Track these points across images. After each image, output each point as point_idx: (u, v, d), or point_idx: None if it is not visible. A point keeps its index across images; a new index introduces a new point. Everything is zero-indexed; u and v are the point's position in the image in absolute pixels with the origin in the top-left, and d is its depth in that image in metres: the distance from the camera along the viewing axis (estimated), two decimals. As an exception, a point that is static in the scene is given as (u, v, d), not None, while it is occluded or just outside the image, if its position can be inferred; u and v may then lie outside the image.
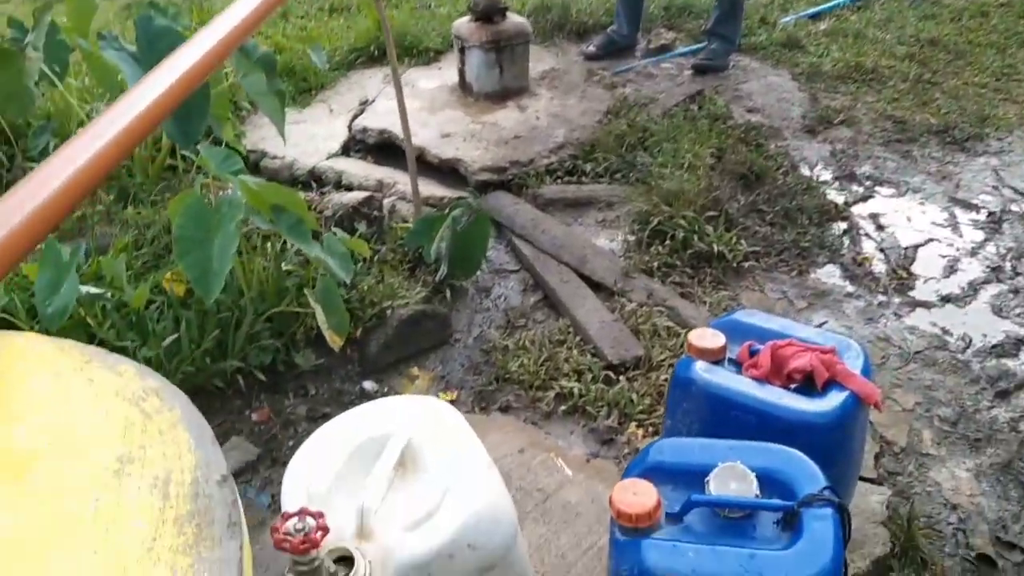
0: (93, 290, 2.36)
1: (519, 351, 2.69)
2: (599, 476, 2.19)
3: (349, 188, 3.58)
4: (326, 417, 2.44)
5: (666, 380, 2.50)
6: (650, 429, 2.37)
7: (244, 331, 2.50)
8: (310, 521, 1.20)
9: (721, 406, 1.67)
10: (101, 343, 2.39)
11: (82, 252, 2.71)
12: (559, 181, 3.65)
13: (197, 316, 2.50)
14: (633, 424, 2.39)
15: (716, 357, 1.75)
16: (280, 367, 2.58)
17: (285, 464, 2.38)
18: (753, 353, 1.75)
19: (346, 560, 1.29)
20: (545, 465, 2.21)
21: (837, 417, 1.61)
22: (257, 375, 2.50)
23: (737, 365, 1.76)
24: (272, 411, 2.49)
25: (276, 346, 2.53)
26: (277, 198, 2.37)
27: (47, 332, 2.29)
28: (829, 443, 1.60)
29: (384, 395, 2.63)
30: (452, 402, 2.53)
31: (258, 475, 2.33)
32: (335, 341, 2.40)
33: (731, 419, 1.66)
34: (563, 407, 2.49)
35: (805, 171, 3.72)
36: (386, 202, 3.38)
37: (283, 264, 2.66)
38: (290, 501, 1.37)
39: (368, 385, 2.65)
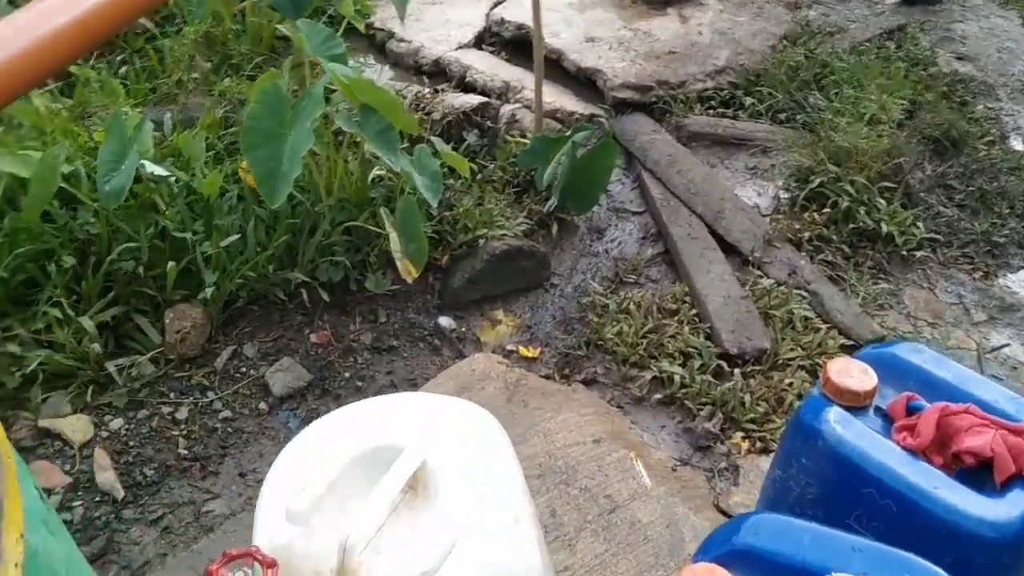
0: (158, 171, 2.13)
1: (620, 314, 2.29)
2: (682, 493, 1.82)
3: (471, 87, 3.20)
4: (392, 351, 2.18)
5: (791, 385, 2.05)
6: (758, 444, 1.95)
7: (316, 241, 2.23)
8: (248, 569, 0.90)
9: (854, 477, 1.25)
10: (163, 232, 2.18)
11: (168, 123, 2.49)
12: (710, 112, 3.13)
13: (268, 216, 2.24)
14: (739, 434, 1.98)
15: (860, 403, 1.31)
16: (351, 287, 2.30)
17: (337, 397, 2.16)
18: (913, 410, 1.29)
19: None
20: (621, 466, 1.85)
21: (1019, 531, 1.16)
22: (322, 293, 2.23)
23: (887, 420, 1.31)
24: (334, 335, 2.23)
25: (348, 263, 2.25)
26: (369, 96, 2.02)
27: (106, 211, 2.09)
28: (1002, 567, 1.16)
29: (461, 335, 2.32)
30: (533, 361, 2.21)
31: (305, 404, 2.09)
32: (409, 271, 2.09)
33: (863, 498, 1.23)
34: (659, 395, 2.10)
35: (1017, 145, 3.02)
36: (505, 110, 2.98)
37: (371, 171, 2.35)
38: (265, 514, 1.08)
39: (444, 321, 2.34)
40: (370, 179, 2.36)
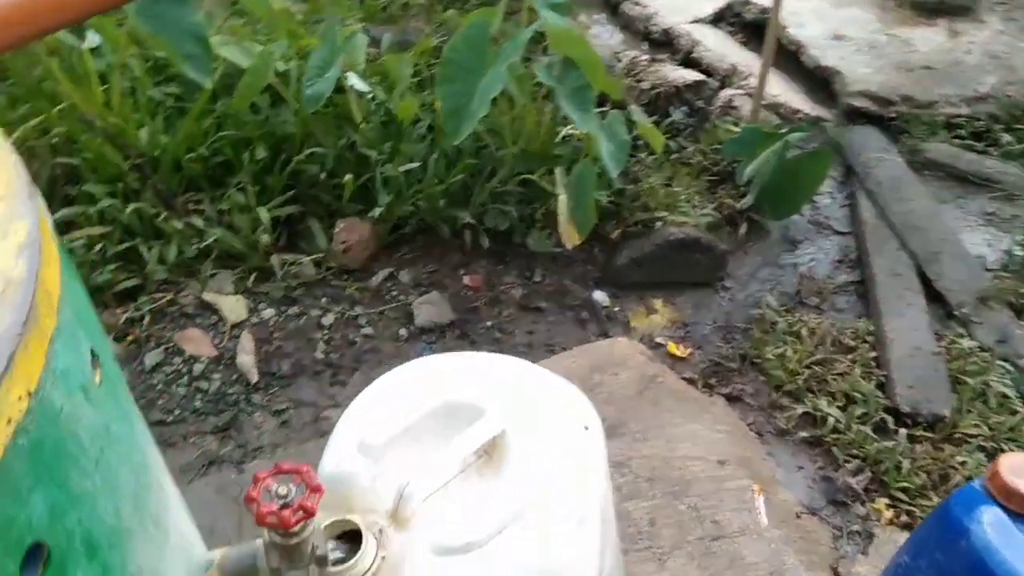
0: (360, 86, 2.17)
1: (789, 336, 2.09)
2: (799, 544, 1.63)
3: (695, 63, 3.03)
4: (538, 312, 2.13)
5: (962, 464, 1.78)
6: (903, 517, 1.71)
7: (491, 186, 2.20)
8: (294, 486, 0.88)
9: (996, 594, 1.04)
10: (352, 145, 2.23)
11: (385, 43, 2.54)
12: (956, 142, 2.76)
13: (452, 152, 2.24)
14: (884, 500, 1.75)
15: (1029, 511, 1.09)
16: (514, 239, 2.26)
17: (473, 342, 2.14)
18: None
19: (352, 537, 0.97)
20: (740, 496, 1.69)
21: None
22: (484, 239, 2.21)
23: (1062, 540, 1.08)
24: (486, 281, 2.21)
25: (516, 215, 2.20)
26: (573, 50, 1.94)
27: (303, 114, 2.17)
28: None
29: (612, 315, 2.22)
30: (680, 360, 2.07)
31: (442, 341, 2.09)
32: (571, 237, 2.01)
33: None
34: (805, 433, 1.90)
35: None
36: (724, 94, 2.79)
37: (561, 129, 2.27)
38: (340, 437, 1.06)
39: (598, 296, 2.25)
40: (560, 137, 2.29)
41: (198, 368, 1.97)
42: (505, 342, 2.10)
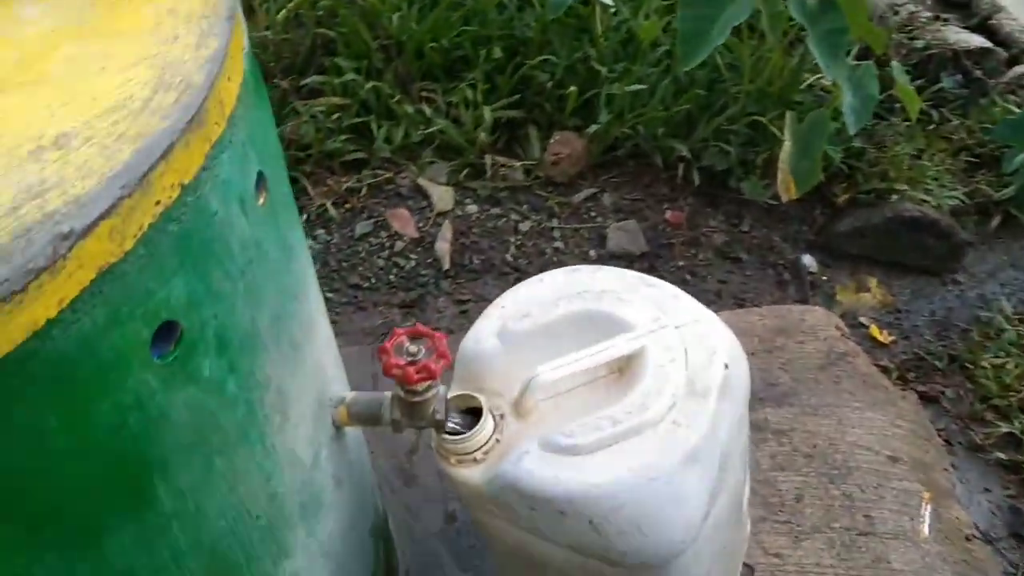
0: (607, 1, 2.13)
1: (1014, 348, 1.85)
2: (959, 567, 1.47)
3: (991, 31, 2.65)
4: (737, 263, 2.04)
5: None
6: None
7: (716, 123, 2.10)
8: (424, 348, 0.92)
9: None
10: (585, 58, 2.21)
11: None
12: None
13: (685, 80, 2.16)
14: (1080, 549, 1.53)
15: None
16: (728, 182, 2.16)
17: (660, 278, 2.09)
18: None
19: (473, 414, 1.01)
20: (904, 498, 1.55)
21: None
22: (696, 176, 2.13)
23: None
24: (688, 220, 2.14)
25: (736, 158, 2.09)
26: (837, -13, 1.77)
27: (544, 20, 2.18)
28: None
29: (817, 282, 2.07)
30: (879, 346, 1.91)
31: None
32: (788, 189, 1.88)
33: None
34: (1003, 455, 1.68)
35: None
36: (1017, 69, 2.44)
37: (807, 77, 2.11)
38: (485, 320, 1.09)
39: (807, 260, 2.10)
40: (803, 84, 2.12)
41: (399, 245, 2.10)
42: (693, 285, 2.04)
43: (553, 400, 1.02)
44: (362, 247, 2.10)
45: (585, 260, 2.09)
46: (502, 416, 1.02)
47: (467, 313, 1.99)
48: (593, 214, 2.16)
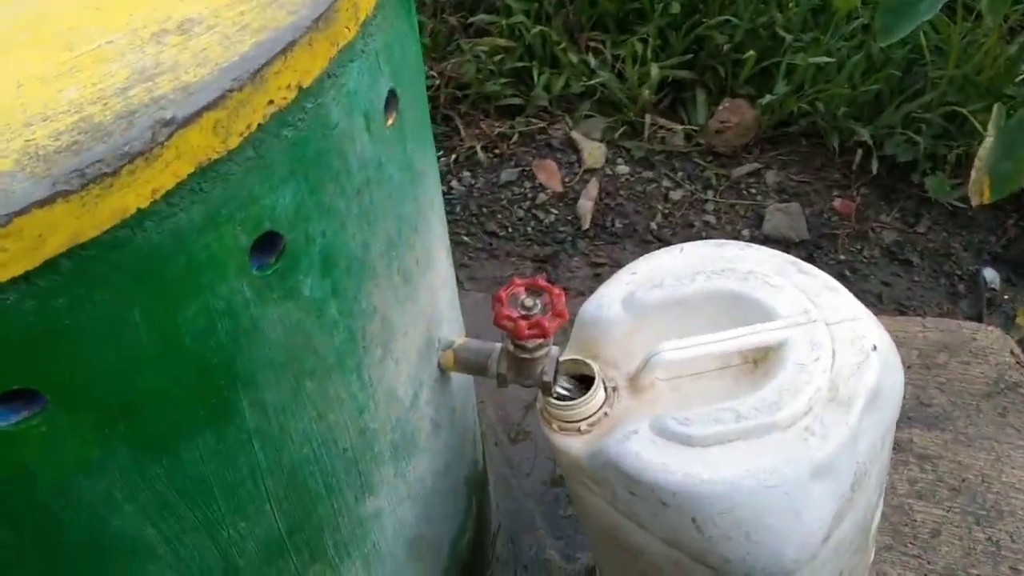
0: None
1: None
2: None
3: None
4: (906, 266, 1.86)
5: None
6: None
7: (908, 109, 1.89)
8: (541, 304, 0.85)
9: None
10: (770, 23, 2.04)
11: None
12: None
13: (878, 57, 1.95)
14: None
15: None
16: (910, 176, 1.95)
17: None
18: None
19: (583, 382, 0.94)
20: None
21: None
22: (875, 164, 1.93)
23: None
24: (858, 211, 1.95)
25: (925, 150, 1.88)
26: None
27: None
28: None
29: (995, 300, 1.85)
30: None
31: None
32: (981, 192, 1.66)
33: None
34: None
35: None
36: None
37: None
38: (612, 285, 1.01)
39: (989, 274, 1.87)
40: (1019, 77, 1.87)
41: (542, 198, 2.04)
42: (852, 283, 1.86)
43: (674, 382, 0.94)
44: (504, 195, 2.06)
45: (737, 238, 1.96)
46: (615, 389, 0.94)
47: (600, 277, 1.91)
48: (753, 191, 2.01)
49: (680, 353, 0.90)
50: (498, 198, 2.05)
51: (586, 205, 2.00)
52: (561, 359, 0.94)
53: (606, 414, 0.92)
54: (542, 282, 0.87)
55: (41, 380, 0.51)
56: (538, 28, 2.13)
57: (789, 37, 1.98)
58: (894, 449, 1.50)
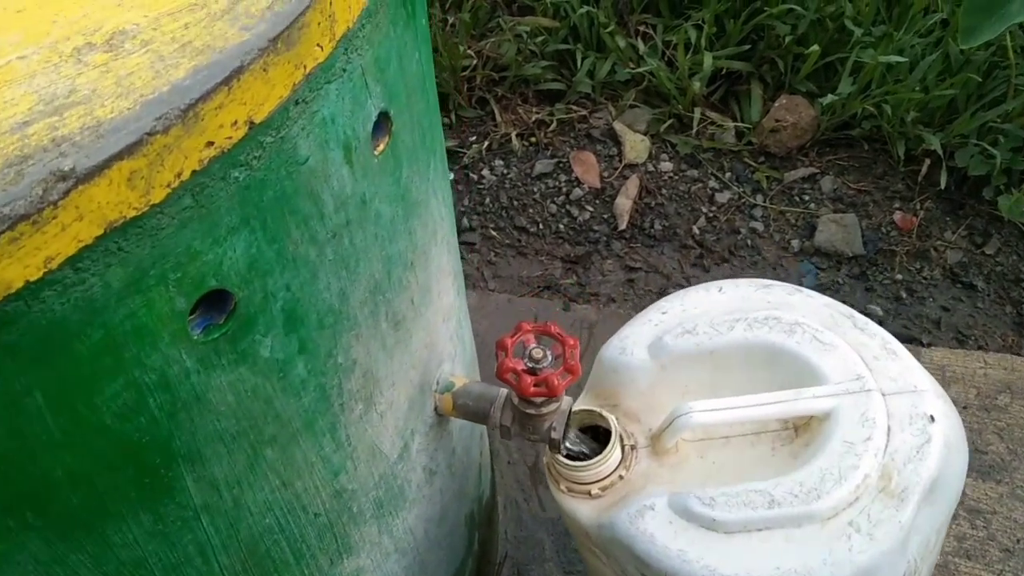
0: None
1: None
2: None
3: None
4: (971, 290, 1.71)
5: None
6: None
7: (985, 117, 1.72)
8: (552, 356, 0.74)
9: None
10: (838, 13, 1.87)
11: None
12: None
13: (956, 58, 1.77)
14: None
15: None
16: (983, 192, 1.78)
17: (870, 289, 1.79)
18: None
19: (597, 436, 0.84)
20: None
21: None
22: (943, 177, 1.77)
23: None
24: (920, 227, 1.79)
25: (1001, 164, 1.71)
26: None
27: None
28: None
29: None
30: None
31: (832, 272, 1.77)
32: (1062, 218, 1.50)
33: None
34: None
35: None
36: None
37: None
38: (636, 324, 0.89)
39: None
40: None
41: (577, 193, 1.91)
42: (908, 306, 1.71)
43: (702, 444, 0.83)
44: (538, 188, 1.93)
45: (785, 250, 1.82)
46: (633, 448, 0.83)
47: (634, 283, 1.79)
48: (806, 198, 1.86)
49: (711, 416, 0.79)
50: (531, 191, 1.93)
51: (624, 203, 1.87)
52: (575, 408, 0.83)
53: (621, 477, 0.82)
54: (555, 329, 0.76)
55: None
56: (585, 8, 1.98)
57: (858, 31, 1.81)
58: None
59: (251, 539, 0.64)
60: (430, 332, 0.79)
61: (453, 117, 2.06)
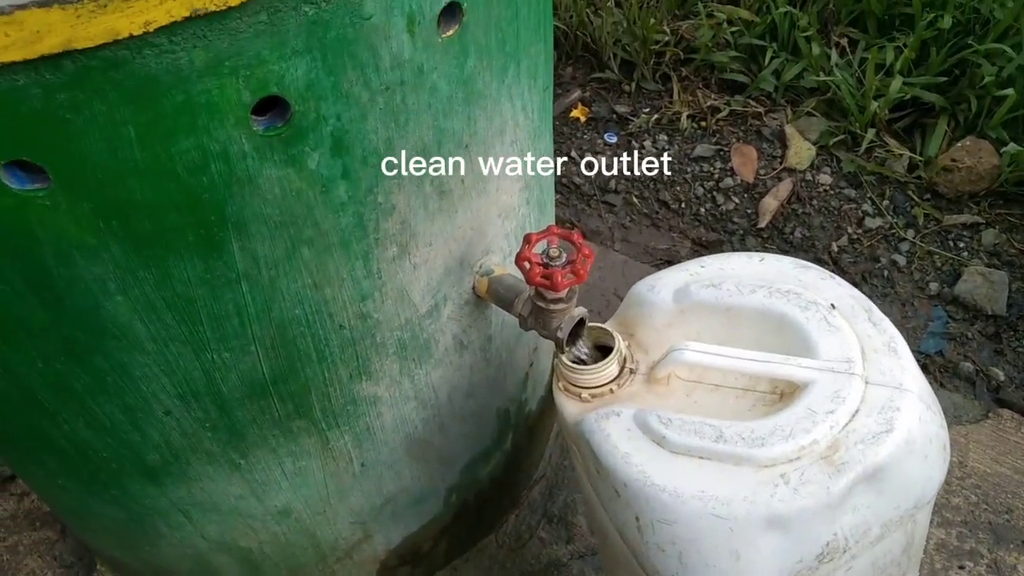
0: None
1: None
2: None
3: None
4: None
5: None
6: None
7: None
8: (568, 255, 0.84)
9: None
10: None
11: None
12: None
13: None
14: None
15: None
16: None
17: (999, 353, 1.70)
18: None
19: (605, 353, 0.93)
20: None
21: None
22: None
23: None
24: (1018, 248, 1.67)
25: None
26: None
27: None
28: None
29: None
30: None
31: (960, 326, 1.69)
32: None
33: None
34: None
35: None
36: None
37: None
38: (676, 270, 0.97)
39: None
40: None
41: (728, 183, 1.95)
42: (1033, 379, 1.61)
43: (692, 385, 0.90)
44: (691, 169, 1.98)
45: (922, 291, 1.76)
46: (632, 372, 0.92)
47: (757, 280, 1.80)
48: (960, 245, 1.79)
49: (701, 357, 0.86)
50: (684, 170, 1.98)
51: (771, 203, 1.89)
52: (590, 325, 0.93)
53: (612, 391, 0.91)
54: (578, 238, 0.86)
55: (46, 158, 0.60)
56: (787, 9, 1.99)
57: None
58: (988, 567, 1.32)
59: (282, 322, 0.80)
60: (479, 218, 0.91)
61: (634, 86, 2.14)
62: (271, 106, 0.65)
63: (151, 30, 0.56)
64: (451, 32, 0.73)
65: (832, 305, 0.87)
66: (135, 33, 0.56)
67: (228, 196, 0.68)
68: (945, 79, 1.86)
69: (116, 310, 0.72)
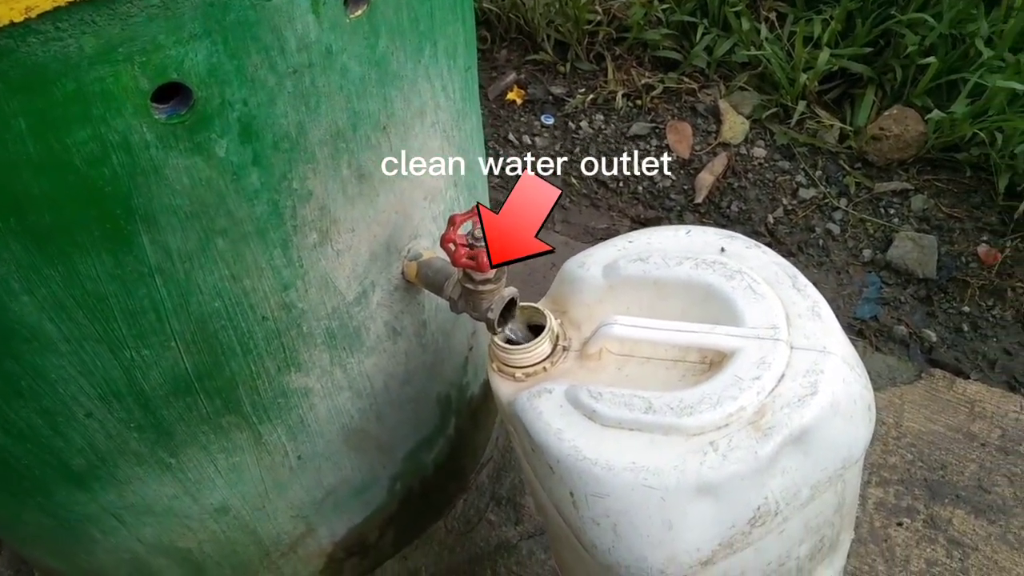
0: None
1: None
2: None
3: None
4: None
5: None
6: None
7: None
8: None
9: None
10: (972, 47, 1.80)
11: None
12: None
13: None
14: None
15: None
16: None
17: (932, 315, 1.74)
18: None
19: (537, 332, 0.92)
20: None
21: None
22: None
23: None
24: (1003, 264, 1.72)
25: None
26: None
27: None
28: None
29: None
30: None
31: (896, 291, 1.73)
32: None
33: None
34: None
35: None
36: None
37: None
38: (605, 246, 0.97)
39: None
40: None
41: (663, 160, 1.96)
42: (967, 340, 1.66)
43: (623, 359, 0.90)
44: (628, 147, 1.99)
45: (855, 258, 1.79)
46: (565, 349, 0.92)
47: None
48: (891, 211, 1.83)
49: (631, 331, 0.86)
50: (621, 148, 1.99)
51: (706, 178, 1.91)
52: (522, 304, 0.93)
53: (545, 369, 0.90)
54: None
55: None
56: (717, -15, 2.01)
57: (988, 52, 1.74)
58: (925, 522, 1.36)
59: (201, 316, 0.78)
60: (403, 201, 0.90)
61: (568, 67, 2.14)
62: (173, 93, 0.64)
63: (33, 16, 0.54)
64: (359, 12, 0.72)
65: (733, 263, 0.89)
66: (16, 20, 0.53)
67: (133, 188, 0.66)
68: (871, 50, 1.89)
69: (23, 311, 0.70)
